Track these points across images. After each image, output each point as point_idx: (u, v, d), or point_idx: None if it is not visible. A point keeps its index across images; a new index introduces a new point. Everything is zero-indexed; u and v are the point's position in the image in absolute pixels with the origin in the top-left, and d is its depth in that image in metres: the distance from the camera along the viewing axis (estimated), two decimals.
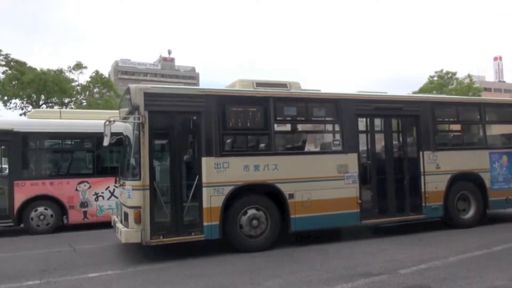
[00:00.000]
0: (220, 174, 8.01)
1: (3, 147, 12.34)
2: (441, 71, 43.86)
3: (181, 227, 7.87)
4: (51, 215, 11.80)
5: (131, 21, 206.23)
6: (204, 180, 7.90)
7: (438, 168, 9.86)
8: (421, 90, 41.58)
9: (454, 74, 43.66)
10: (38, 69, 34.41)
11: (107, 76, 42.73)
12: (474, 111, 10.96)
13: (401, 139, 10.09)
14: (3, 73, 34.12)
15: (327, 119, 9.76)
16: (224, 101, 8.28)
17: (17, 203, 11.44)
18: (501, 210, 11.40)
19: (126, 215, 7.84)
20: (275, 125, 8.65)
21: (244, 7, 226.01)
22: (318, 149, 9.64)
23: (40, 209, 11.72)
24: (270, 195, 8.46)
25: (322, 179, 8.80)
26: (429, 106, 10.04)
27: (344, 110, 9.12)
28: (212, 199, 7.92)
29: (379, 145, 9.95)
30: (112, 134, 8.73)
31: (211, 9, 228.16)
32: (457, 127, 11.85)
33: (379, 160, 9.71)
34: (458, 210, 10.16)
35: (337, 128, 9.32)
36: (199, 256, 8.02)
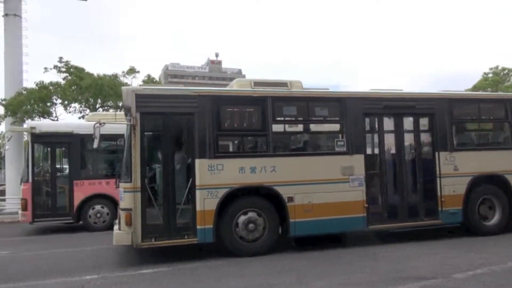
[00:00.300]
0: (214, 176, 7.67)
1: (63, 148, 12.97)
2: (497, 67, 40.96)
3: (174, 230, 7.61)
4: (107, 213, 12.37)
5: (180, 26, 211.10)
6: (197, 182, 7.60)
7: (456, 170, 8.99)
8: (475, 88, 39.00)
9: (510, 70, 40.70)
10: (95, 74, 35.69)
11: (158, 80, 43.70)
12: (500, 108, 9.88)
13: (414, 139, 9.24)
14: (63, 79, 35.63)
15: (331, 118, 9.10)
16: (217, 102, 7.93)
17: (76, 202, 12.12)
18: None
19: (119, 217, 7.69)
20: (273, 126, 8.17)
21: (288, 6, 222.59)
22: (320, 150, 9.03)
23: (97, 207, 12.36)
24: (269, 198, 8.02)
25: (325, 182, 8.24)
26: (446, 104, 9.17)
27: (350, 109, 8.49)
28: (206, 202, 7.60)
29: (390, 145, 9.21)
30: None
31: (256, 10, 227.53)
32: (479, 125, 10.80)
33: (389, 162, 8.99)
34: (480, 215, 9.23)
35: (341, 128, 8.68)
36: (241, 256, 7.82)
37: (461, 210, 8.94)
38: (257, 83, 8.53)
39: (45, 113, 34.44)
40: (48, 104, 35.22)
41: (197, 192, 7.58)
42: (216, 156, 7.73)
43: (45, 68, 35.11)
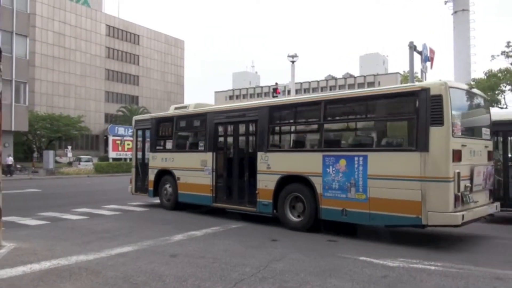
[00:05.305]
0: (154, 161, 12.80)
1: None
2: None
3: (144, 189, 13.22)
4: None
5: None
6: (149, 165, 12.95)
7: (269, 168, 9.41)
8: None
9: None
10: None
11: None
12: (315, 110, 8.63)
13: (245, 141, 10.26)
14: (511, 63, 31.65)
15: (201, 127, 11.46)
16: (155, 121, 12.81)
17: None
18: None
19: None
20: (176, 133, 12.15)
21: None
22: (193, 149, 11.59)
23: None
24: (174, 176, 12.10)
25: (192, 169, 11.35)
26: (266, 111, 9.56)
27: (208, 120, 10.98)
28: (150, 176, 12.83)
29: (231, 146, 10.59)
30: None
31: None
32: (294, 128, 9.03)
33: (230, 158, 10.56)
34: (291, 211, 9.05)
35: (204, 134, 11.19)
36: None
37: (271, 203, 9.33)
38: (177, 108, 12.70)
39: (493, 102, 30.81)
40: (496, 92, 31.84)
41: (149, 170, 12.91)
42: (154, 151, 12.75)
43: (492, 56, 32.82)
